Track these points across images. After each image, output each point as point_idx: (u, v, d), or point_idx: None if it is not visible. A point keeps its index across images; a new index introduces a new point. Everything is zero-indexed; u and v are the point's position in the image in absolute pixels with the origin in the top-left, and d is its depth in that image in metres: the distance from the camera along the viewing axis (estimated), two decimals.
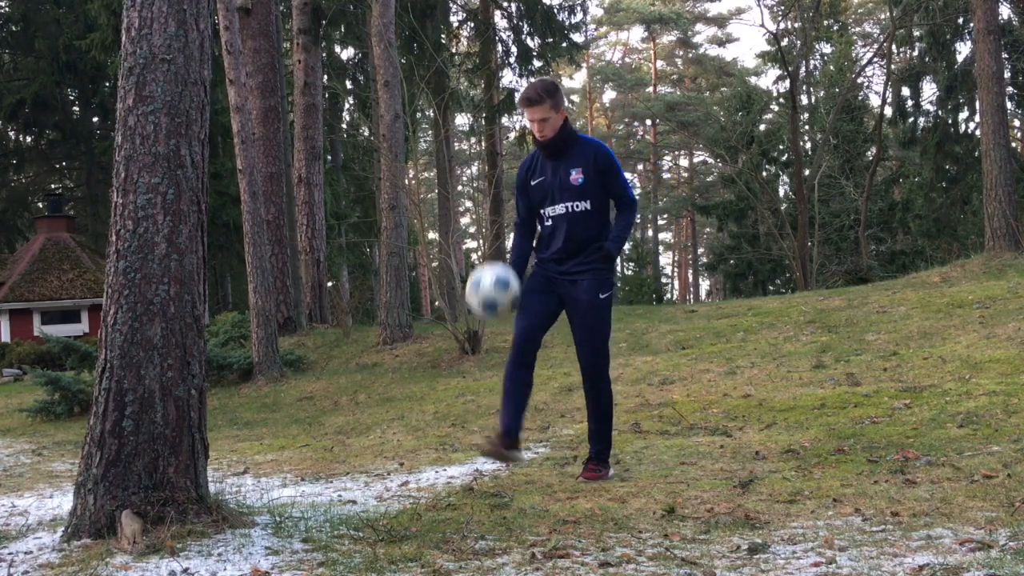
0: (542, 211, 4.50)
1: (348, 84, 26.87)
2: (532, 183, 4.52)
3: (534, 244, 4.67)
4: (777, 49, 26.57)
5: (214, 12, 12.00)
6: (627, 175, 5.27)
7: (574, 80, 53.03)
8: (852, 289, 13.50)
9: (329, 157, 27.17)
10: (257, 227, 12.73)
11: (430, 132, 35.27)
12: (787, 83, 27.06)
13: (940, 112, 27.57)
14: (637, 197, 4.79)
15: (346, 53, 27.23)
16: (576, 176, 4.39)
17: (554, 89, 4.43)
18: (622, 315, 12.78)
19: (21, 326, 26.43)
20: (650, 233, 51.69)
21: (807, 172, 25.42)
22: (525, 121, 4.49)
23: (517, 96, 4.34)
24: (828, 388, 6.52)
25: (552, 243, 4.47)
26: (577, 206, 4.40)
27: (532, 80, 5.06)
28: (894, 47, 27.47)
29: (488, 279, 4.32)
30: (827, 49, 33.62)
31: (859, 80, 31.31)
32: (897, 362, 7.09)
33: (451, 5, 24.25)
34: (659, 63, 52.98)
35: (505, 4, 22.91)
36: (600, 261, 4.42)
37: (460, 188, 47.53)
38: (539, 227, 4.59)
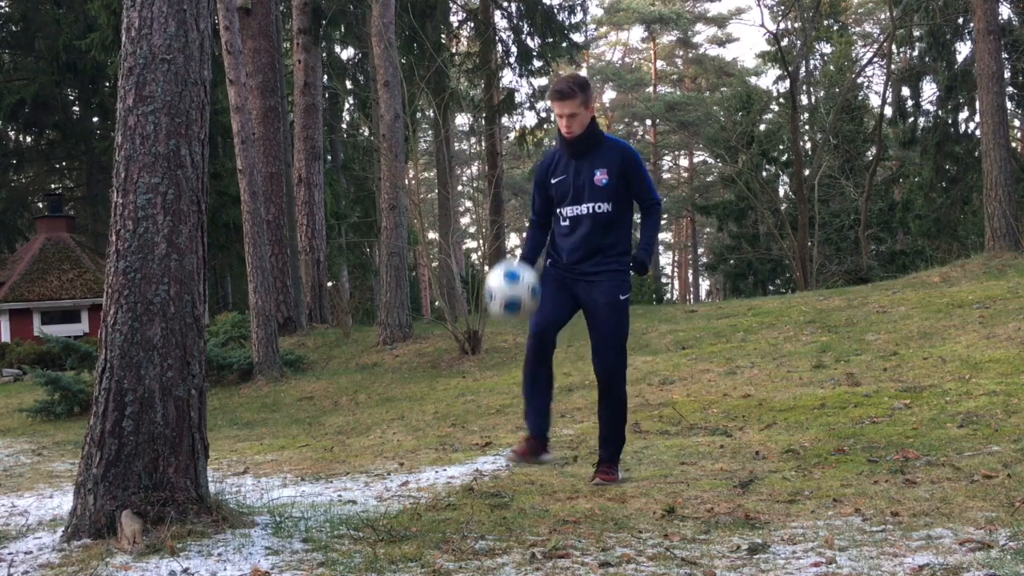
0: (560, 210, 4.38)
1: (348, 84, 26.87)
2: (552, 181, 4.39)
3: (547, 242, 4.53)
4: (777, 49, 26.54)
5: (214, 12, 11.98)
6: None
7: None
8: (852, 289, 13.49)
9: (329, 157, 27.16)
10: (257, 227, 12.73)
11: (430, 132, 35.26)
12: (787, 83, 27.04)
13: (940, 112, 27.51)
14: (662, 198, 4.68)
15: (346, 53, 27.23)
16: (600, 176, 4.28)
17: (585, 84, 4.31)
18: None
19: (21, 326, 26.42)
20: None
21: (807, 172, 25.40)
22: (553, 115, 4.31)
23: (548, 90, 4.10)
24: (828, 388, 6.52)
25: (569, 243, 4.35)
26: (600, 207, 4.29)
27: (561, 75, 4.93)
28: (894, 47, 27.45)
29: (495, 280, 4.20)
30: (827, 49, 33.62)
31: (859, 80, 31.30)
32: (897, 362, 7.09)
33: (451, 5, 24.23)
34: (659, 63, 52.97)
35: (505, 4, 22.90)
36: (620, 264, 4.32)
37: (460, 188, 47.49)
38: (554, 225, 4.45)
